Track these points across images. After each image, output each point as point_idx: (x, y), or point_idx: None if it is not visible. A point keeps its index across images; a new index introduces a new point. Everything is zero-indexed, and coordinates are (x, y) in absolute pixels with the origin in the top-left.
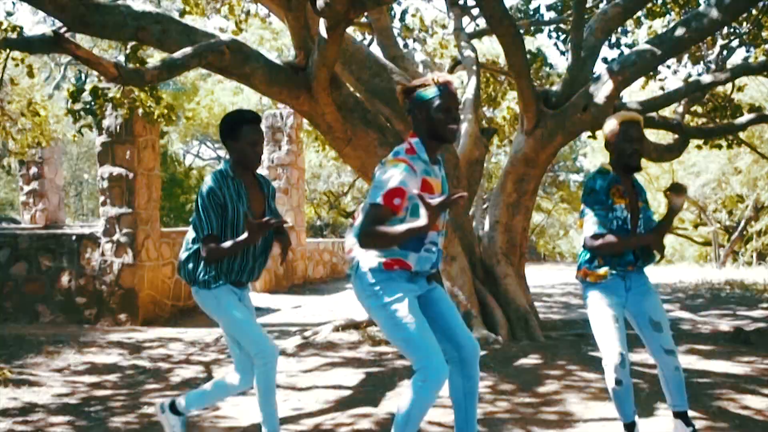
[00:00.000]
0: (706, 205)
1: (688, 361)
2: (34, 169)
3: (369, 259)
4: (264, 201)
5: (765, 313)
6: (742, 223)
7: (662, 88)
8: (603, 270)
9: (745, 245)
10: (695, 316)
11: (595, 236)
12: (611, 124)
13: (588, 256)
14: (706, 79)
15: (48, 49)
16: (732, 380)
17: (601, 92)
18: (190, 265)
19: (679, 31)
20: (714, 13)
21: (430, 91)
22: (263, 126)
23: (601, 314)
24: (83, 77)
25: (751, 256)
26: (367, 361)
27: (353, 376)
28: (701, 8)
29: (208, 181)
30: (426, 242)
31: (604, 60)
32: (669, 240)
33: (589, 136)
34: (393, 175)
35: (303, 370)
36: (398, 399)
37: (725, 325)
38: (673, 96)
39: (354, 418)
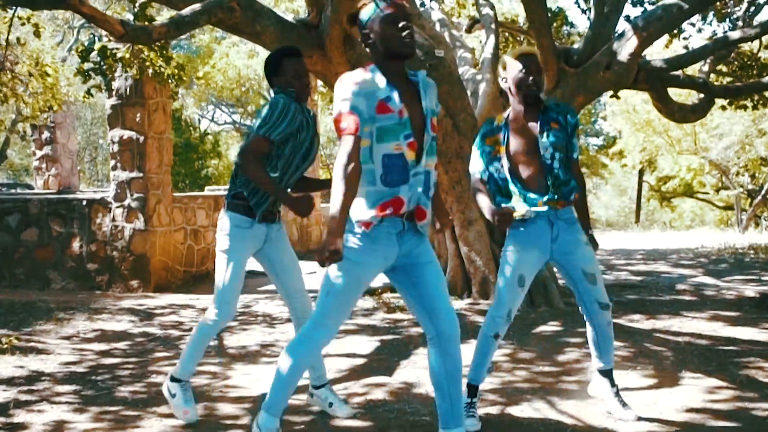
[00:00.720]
0: (728, 169)
1: (713, 328)
2: (46, 134)
3: None
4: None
5: None
6: (766, 187)
7: (686, 47)
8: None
9: None
10: (719, 281)
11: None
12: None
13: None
14: (734, 35)
15: (52, 4)
16: (759, 348)
17: (624, 49)
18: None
19: None
20: None
21: (369, 9)
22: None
23: (510, 268)
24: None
25: None
26: (382, 328)
27: (368, 344)
28: None
29: (279, 99)
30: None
31: (627, 18)
32: (690, 204)
33: (611, 96)
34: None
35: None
36: (413, 367)
37: (750, 291)
38: (699, 53)
39: (368, 388)
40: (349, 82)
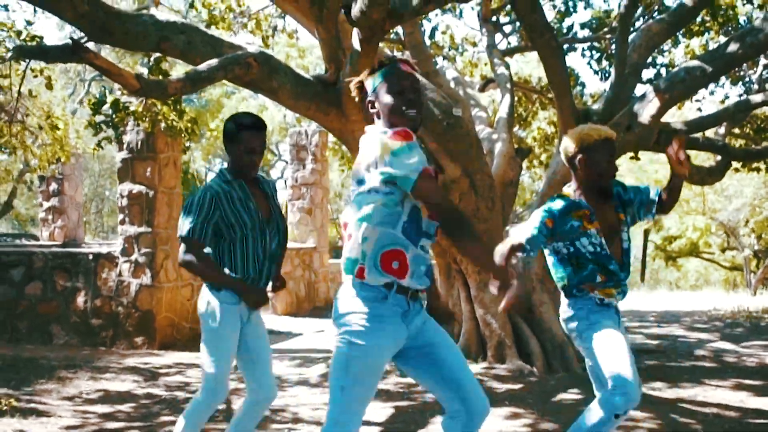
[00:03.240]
0: (737, 230)
1: (739, 399)
2: (54, 185)
3: None
4: (268, 202)
5: None
6: None
7: (699, 110)
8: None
9: None
10: (738, 347)
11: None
12: (588, 137)
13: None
14: (756, 98)
15: (65, 58)
16: None
17: (646, 111)
18: None
19: (733, 47)
20: None
21: (376, 78)
22: (287, 144)
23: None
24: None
25: None
26: (396, 393)
27: (381, 411)
28: (756, 23)
29: (195, 193)
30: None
31: (649, 81)
32: (694, 264)
33: (631, 158)
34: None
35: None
36: None
37: None
38: (720, 116)
39: None
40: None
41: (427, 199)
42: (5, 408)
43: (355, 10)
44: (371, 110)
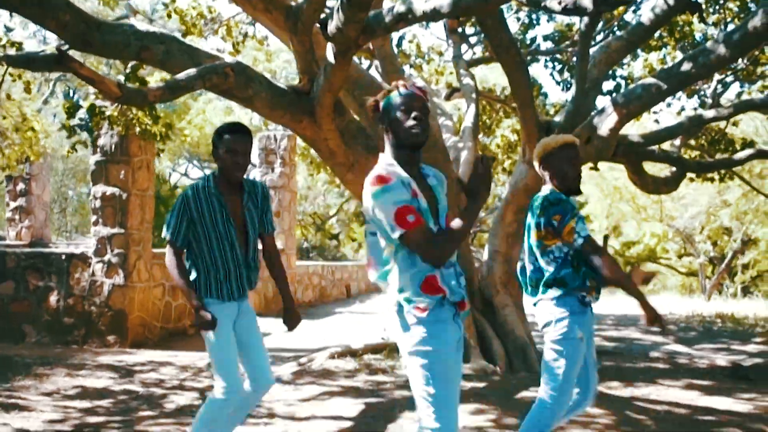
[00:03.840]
0: (693, 237)
1: (690, 398)
2: (21, 185)
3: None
4: (241, 211)
5: (760, 348)
6: (729, 256)
7: (656, 121)
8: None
9: (732, 278)
10: (690, 349)
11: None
12: (547, 146)
13: (571, 270)
14: (709, 114)
15: (50, 67)
16: (737, 418)
17: (605, 124)
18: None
19: (686, 66)
20: (721, 49)
21: (393, 95)
22: (256, 147)
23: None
24: (71, 93)
25: (737, 289)
26: (366, 390)
27: (353, 407)
28: (708, 44)
29: (180, 198)
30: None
31: (608, 93)
32: (652, 269)
33: (591, 168)
34: (387, 201)
35: (301, 398)
36: None
37: (722, 360)
38: (675, 130)
39: None
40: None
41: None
42: None
43: (331, 27)
44: (384, 135)
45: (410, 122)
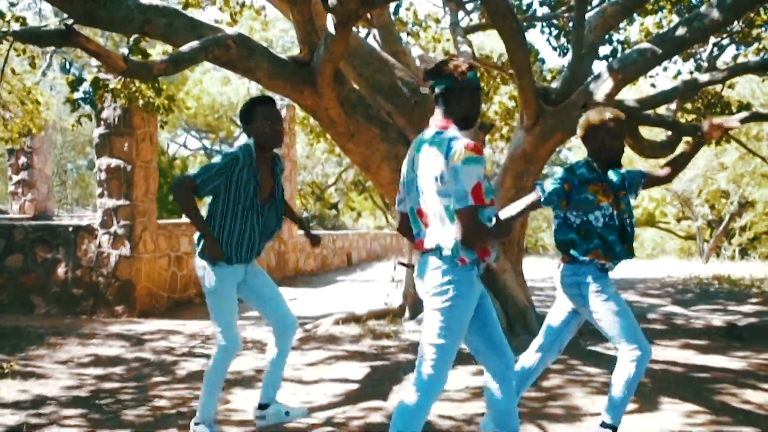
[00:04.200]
0: (691, 201)
1: (686, 356)
2: (23, 159)
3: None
4: (273, 183)
5: (754, 309)
6: (726, 219)
7: (653, 85)
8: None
9: (729, 240)
10: (687, 311)
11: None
12: (594, 119)
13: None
14: (704, 78)
15: (58, 42)
16: (731, 375)
17: (600, 90)
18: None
19: (681, 31)
20: (715, 13)
21: (472, 75)
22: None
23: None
24: (68, 65)
25: (735, 252)
26: (371, 354)
27: (359, 370)
28: (702, 9)
29: (229, 155)
30: None
31: (605, 57)
32: (651, 233)
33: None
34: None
35: (307, 363)
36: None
37: (717, 320)
38: (670, 94)
39: (365, 412)
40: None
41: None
42: (7, 371)
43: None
44: (439, 102)
45: (477, 108)
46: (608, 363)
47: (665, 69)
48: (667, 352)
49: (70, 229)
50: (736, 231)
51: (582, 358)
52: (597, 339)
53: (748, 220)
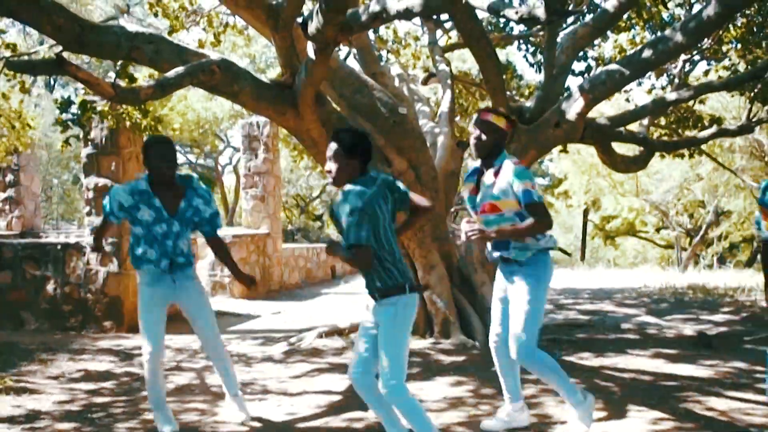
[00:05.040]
0: (668, 211)
1: (655, 365)
2: (9, 176)
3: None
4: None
5: (726, 318)
6: (704, 228)
7: (627, 99)
8: None
9: (706, 249)
10: (660, 320)
11: None
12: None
13: None
14: (671, 96)
15: (50, 71)
16: (697, 383)
17: (572, 109)
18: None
19: (647, 53)
20: (679, 36)
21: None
22: (239, 134)
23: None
24: (52, 82)
25: (712, 260)
26: None
27: (341, 382)
28: (667, 32)
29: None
30: None
31: (572, 72)
32: (632, 243)
33: (561, 150)
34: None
35: (292, 376)
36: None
37: (689, 330)
38: (640, 112)
39: (348, 422)
40: None
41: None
42: (1, 387)
43: (311, 28)
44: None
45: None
46: (581, 372)
47: (640, 84)
48: (638, 361)
49: (59, 246)
50: (713, 240)
51: None
52: (572, 349)
53: (724, 230)
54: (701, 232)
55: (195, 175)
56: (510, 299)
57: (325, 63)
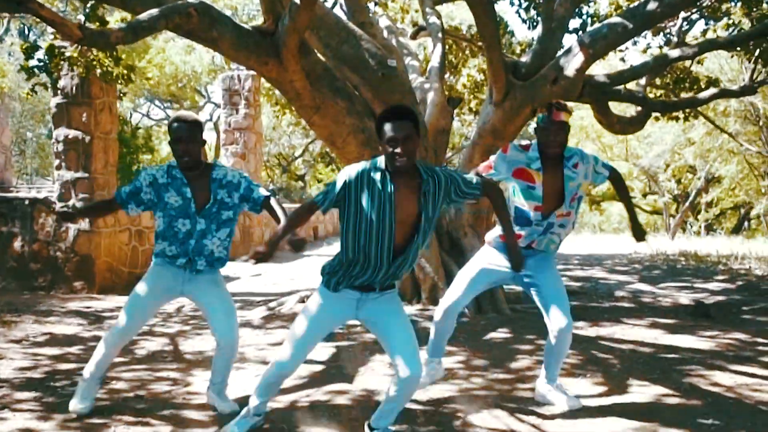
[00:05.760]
0: (657, 176)
1: (654, 336)
2: None
3: None
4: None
5: (721, 286)
6: (693, 194)
7: (623, 59)
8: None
9: (696, 216)
10: (654, 288)
11: None
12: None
13: None
14: (674, 53)
15: (11, 8)
16: (699, 356)
17: (571, 65)
18: None
19: (652, 5)
20: None
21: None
22: (219, 88)
23: None
24: (27, 31)
25: (700, 227)
26: (337, 334)
27: (324, 350)
28: None
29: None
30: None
31: (575, 31)
32: (617, 208)
33: None
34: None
35: (271, 343)
36: (372, 375)
37: (684, 298)
38: (640, 70)
39: (330, 395)
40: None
41: None
42: None
43: None
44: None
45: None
46: (578, 344)
47: (635, 43)
48: (635, 331)
49: (27, 202)
50: (702, 206)
51: None
52: None
53: (714, 196)
54: (690, 198)
55: (219, 163)
56: (544, 282)
57: (311, 7)
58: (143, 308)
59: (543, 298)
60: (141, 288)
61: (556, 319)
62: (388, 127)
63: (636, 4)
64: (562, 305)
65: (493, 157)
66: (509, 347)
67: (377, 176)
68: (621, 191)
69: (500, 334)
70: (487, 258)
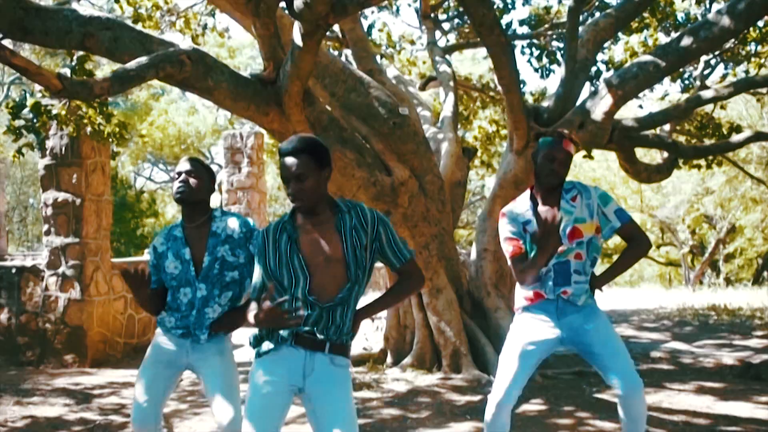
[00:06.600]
0: (675, 227)
1: (706, 404)
2: None
3: None
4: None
5: (763, 343)
6: (712, 245)
7: (640, 106)
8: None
9: (714, 269)
10: (692, 347)
11: None
12: None
13: None
14: (708, 94)
15: None
16: (763, 427)
17: (599, 108)
18: None
19: (686, 41)
20: (726, 21)
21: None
22: (221, 147)
23: None
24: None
25: (724, 279)
26: None
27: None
28: (711, 16)
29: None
30: None
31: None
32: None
33: (584, 156)
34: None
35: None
36: None
37: (728, 358)
38: (671, 112)
39: None
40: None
41: None
42: None
43: (298, 3)
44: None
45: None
46: (614, 414)
47: (652, 90)
48: (683, 398)
49: (14, 270)
50: (720, 258)
51: (590, 408)
52: (602, 384)
53: (737, 246)
54: (711, 249)
55: (220, 210)
56: (596, 339)
57: (314, 51)
58: (150, 386)
59: (598, 358)
60: (143, 364)
61: (619, 380)
62: (281, 164)
63: (668, 40)
64: (622, 361)
65: (503, 231)
66: (546, 422)
67: (288, 219)
68: (629, 253)
69: (533, 406)
70: (523, 336)
